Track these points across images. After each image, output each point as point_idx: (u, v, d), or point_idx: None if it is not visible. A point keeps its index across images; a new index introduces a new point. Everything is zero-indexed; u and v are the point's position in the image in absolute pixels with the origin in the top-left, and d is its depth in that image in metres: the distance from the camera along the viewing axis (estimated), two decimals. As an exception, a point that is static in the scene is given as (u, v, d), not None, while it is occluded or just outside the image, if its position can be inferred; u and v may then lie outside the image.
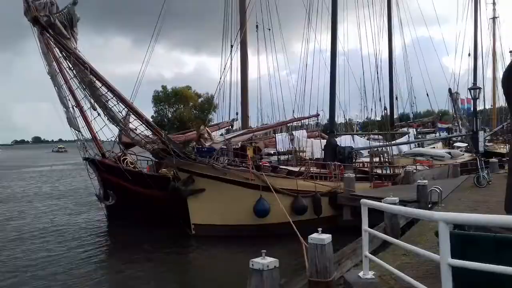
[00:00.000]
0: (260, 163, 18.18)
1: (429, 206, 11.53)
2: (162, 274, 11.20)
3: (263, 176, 13.40)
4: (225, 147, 15.43)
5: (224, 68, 17.71)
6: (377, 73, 18.52)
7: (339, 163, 15.80)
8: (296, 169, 15.07)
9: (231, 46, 22.40)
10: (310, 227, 13.70)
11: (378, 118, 38.50)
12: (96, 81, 12.30)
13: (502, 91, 5.37)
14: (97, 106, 12.64)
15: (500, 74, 41.64)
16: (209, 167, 13.47)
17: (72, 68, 12.40)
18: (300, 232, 8.88)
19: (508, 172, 6.43)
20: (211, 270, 11.79)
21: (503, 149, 23.64)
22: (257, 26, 20.88)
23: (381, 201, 10.28)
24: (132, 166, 16.59)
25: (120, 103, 12.52)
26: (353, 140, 23.22)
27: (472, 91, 16.18)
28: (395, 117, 35.97)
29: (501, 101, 39.10)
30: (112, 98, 12.52)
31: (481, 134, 16.85)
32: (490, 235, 3.25)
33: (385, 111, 19.06)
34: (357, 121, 39.35)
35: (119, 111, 12.80)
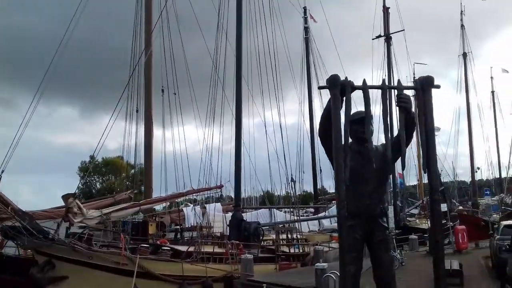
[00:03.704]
0: (158, 242, 15.93)
1: (325, 296, 9.70)
2: None
3: (137, 260, 11.13)
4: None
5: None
6: (283, 144, 17.32)
7: (237, 242, 13.83)
8: (183, 248, 12.91)
9: (137, 111, 20.87)
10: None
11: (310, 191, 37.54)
12: None
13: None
14: None
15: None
16: (70, 249, 11.08)
17: None
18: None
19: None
20: None
21: (425, 224, 22.79)
22: (162, 90, 19.46)
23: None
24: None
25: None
26: (272, 214, 21.50)
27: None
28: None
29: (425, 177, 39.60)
30: None
31: (390, 209, 15.71)
32: None
33: (292, 183, 17.70)
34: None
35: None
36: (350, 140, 4.20)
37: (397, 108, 4.02)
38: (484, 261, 14.11)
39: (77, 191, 13.10)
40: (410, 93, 4.13)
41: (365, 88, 3.82)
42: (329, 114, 3.84)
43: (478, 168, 45.08)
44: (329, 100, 3.89)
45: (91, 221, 12.46)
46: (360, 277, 4.25)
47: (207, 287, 12.15)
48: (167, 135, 20.82)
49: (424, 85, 3.89)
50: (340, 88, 3.76)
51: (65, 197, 12.25)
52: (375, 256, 4.27)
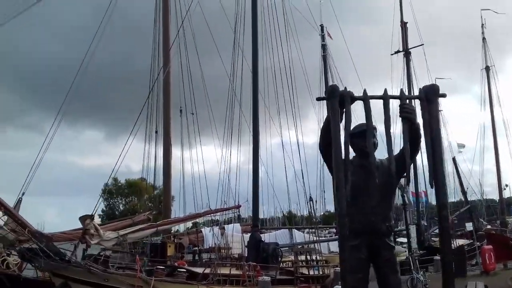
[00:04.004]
0: (176, 263, 15.84)
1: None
2: None
3: (152, 282, 11.01)
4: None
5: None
6: (300, 163, 17.17)
7: (254, 263, 13.57)
8: (200, 270, 12.74)
9: (156, 132, 21.10)
10: None
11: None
12: None
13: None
14: None
15: (449, 168, 41.51)
16: (86, 271, 11.05)
17: None
18: None
19: None
20: None
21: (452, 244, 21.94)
22: (180, 111, 19.64)
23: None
24: (12, 269, 13.82)
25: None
26: (292, 235, 21.14)
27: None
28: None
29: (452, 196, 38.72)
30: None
31: (412, 229, 15.24)
32: None
33: (311, 202, 17.35)
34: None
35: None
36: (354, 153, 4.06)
37: (401, 119, 3.84)
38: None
39: (95, 212, 13.12)
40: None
41: (365, 98, 3.66)
42: (329, 127, 3.69)
43: (507, 185, 43.65)
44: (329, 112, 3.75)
45: (107, 243, 12.45)
46: None
47: (223, 310, 11.94)
48: (187, 155, 20.95)
49: (429, 94, 3.69)
50: (339, 99, 3.62)
51: (82, 219, 12.32)
52: (382, 276, 4.05)
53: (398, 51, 27.30)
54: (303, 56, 20.80)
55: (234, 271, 13.48)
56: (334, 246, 22.02)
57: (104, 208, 67.35)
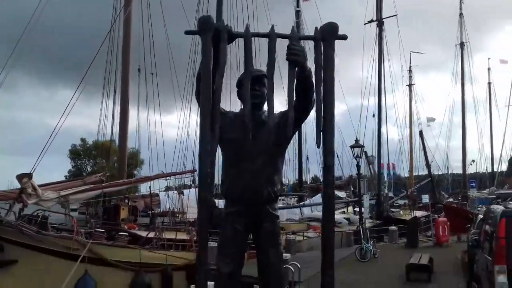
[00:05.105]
0: (126, 226, 15.42)
1: (287, 288, 9.09)
2: None
3: (91, 245, 10.48)
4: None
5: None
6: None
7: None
8: (143, 234, 12.29)
9: (114, 92, 20.34)
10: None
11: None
12: None
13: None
14: None
15: (417, 142, 41.82)
16: (18, 232, 10.42)
17: None
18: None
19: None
20: None
21: (408, 215, 22.24)
22: (139, 70, 18.74)
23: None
24: None
25: None
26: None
27: (355, 149, 14.65)
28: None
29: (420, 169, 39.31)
30: None
31: (365, 199, 15.14)
32: None
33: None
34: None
35: None
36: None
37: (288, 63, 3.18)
38: (461, 255, 13.59)
39: (34, 171, 12.35)
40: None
41: (247, 35, 3.04)
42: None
43: (473, 161, 44.53)
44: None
45: (47, 203, 11.75)
46: (239, 277, 3.59)
47: (167, 276, 11.52)
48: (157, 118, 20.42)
49: (326, 34, 3.10)
50: (213, 34, 3.00)
51: (19, 177, 11.54)
52: (261, 250, 3.60)
53: (371, 21, 26.73)
54: (273, 21, 19.99)
55: (182, 236, 13.10)
56: (293, 214, 21.99)
57: (72, 169, 66.13)
